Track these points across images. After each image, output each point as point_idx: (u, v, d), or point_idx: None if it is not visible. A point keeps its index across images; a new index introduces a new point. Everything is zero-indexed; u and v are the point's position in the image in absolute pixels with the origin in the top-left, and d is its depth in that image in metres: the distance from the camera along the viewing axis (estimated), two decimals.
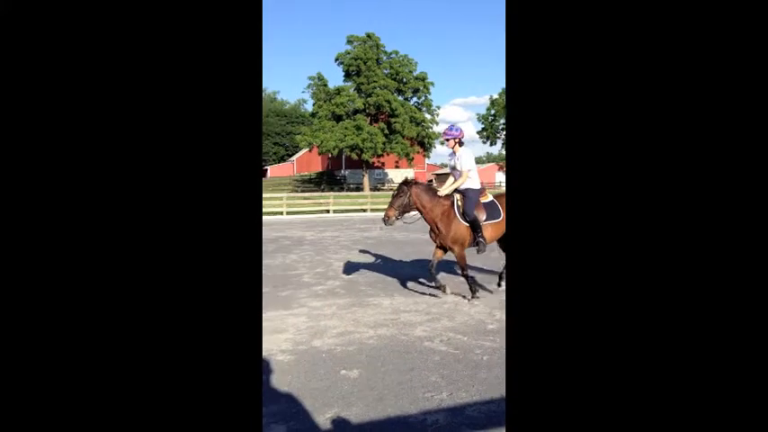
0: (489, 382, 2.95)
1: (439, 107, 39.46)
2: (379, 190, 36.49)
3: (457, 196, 4.92)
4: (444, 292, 4.97)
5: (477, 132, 47.32)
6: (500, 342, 3.72)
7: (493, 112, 46.15)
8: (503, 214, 4.93)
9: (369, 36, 35.84)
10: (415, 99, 38.35)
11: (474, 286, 4.91)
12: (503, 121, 45.89)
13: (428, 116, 37.80)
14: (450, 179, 5.13)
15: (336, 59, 36.21)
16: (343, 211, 19.57)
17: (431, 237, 5.06)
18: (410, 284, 5.73)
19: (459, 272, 5.22)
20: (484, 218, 4.86)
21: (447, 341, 3.74)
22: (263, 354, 3.39)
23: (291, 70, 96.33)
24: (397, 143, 35.56)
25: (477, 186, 5.00)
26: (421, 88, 37.67)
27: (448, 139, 5.02)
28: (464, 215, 4.79)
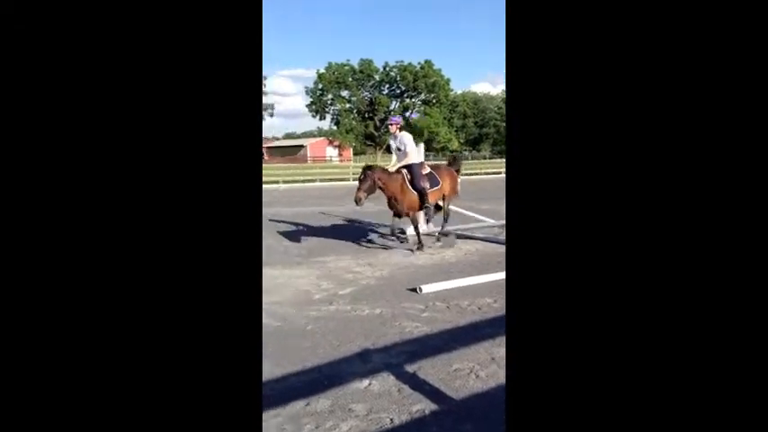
0: (313, 350, 2.99)
1: (266, 77, 38.70)
2: None
3: (404, 171, 6.05)
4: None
5: (306, 106, 47.64)
6: (324, 310, 3.81)
7: (321, 86, 46.66)
8: (440, 182, 6.32)
9: None
10: None
11: (420, 241, 6.16)
12: (330, 95, 46.82)
13: None
14: (394, 157, 6.30)
15: None
16: None
17: (389, 206, 6.17)
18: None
19: (412, 229, 6.38)
20: (428, 187, 6.08)
21: (273, 315, 3.70)
22: None
23: None
24: None
25: (420, 160, 6.32)
26: None
27: (391, 125, 6.34)
28: (413, 186, 5.99)
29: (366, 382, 2.53)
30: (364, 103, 47.90)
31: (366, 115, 47.93)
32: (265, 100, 36.98)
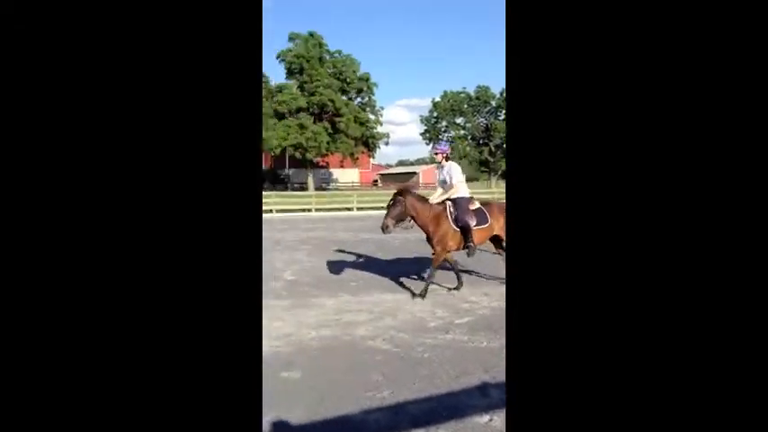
0: (430, 379, 2.93)
1: (383, 108, 39.51)
2: (323, 190, 36.30)
3: (448, 203, 5.29)
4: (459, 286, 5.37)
5: (420, 134, 47.73)
6: (441, 339, 3.73)
7: (435, 114, 46.64)
8: (490, 220, 5.39)
9: (311, 34, 35.44)
10: (359, 99, 38.09)
11: (428, 287, 5.16)
12: (444, 123, 46.54)
13: (372, 117, 37.70)
14: (440, 189, 5.48)
15: (278, 57, 35.61)
16: (286, 212, 19.46)
17: (427, 240, 5.34)
18: (354, 284, 5.76)
19: (429, 270, 5.34)
20: (474, 223, 5.22)
21: (389, 339, 3.72)
22: None
23: None
24: (341, 143, 35.32)
25: (467, 195, 5.40)
26: (364, 89, 37.45)
27: (437, 153, 5.50)
28: (456, 221, 5.17)
29: (487, 417, 2.43)
30: (479, 129, 47.54)
31: (481, 141, 47.46)
32: (381, 129, 38.31)
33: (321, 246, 9.37)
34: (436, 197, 5.37)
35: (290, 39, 35.67)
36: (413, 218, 5.16)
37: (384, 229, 5.02)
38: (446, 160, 5.46)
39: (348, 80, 36.60)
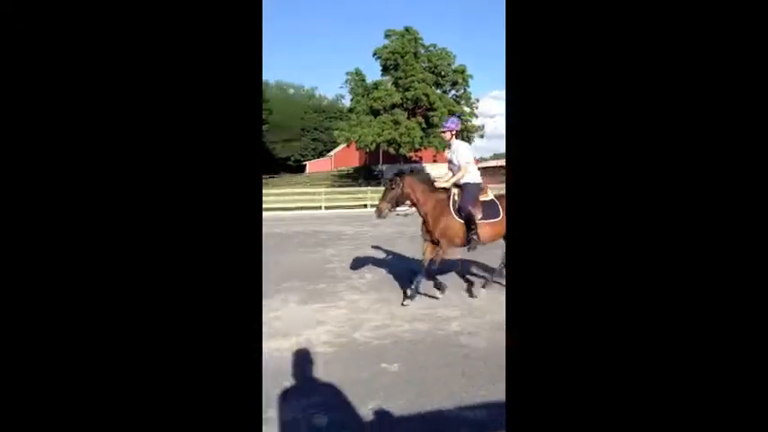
0: None
1: (478, 100, 37.86)
2: None
3: (455, 190, 4.69)
4: (441, 291, 4.74)
5: None
6: None
7: None
8: (502, 214, 4.67)
9: (407, 30, 34.94)
10: (453, 92, 36.87)
11: (442, 285, 4.72)
12: None
13: (467, 109, 36.31)
14: (449, 173, 4.86)
15: (374, 54, 35.44)
16: None
17: (421, 230, 4.83)
18: (446, 279, 5.64)
19: (432, 265, 4.76)
20: (480, 216, 4.61)
21: (484, 337, 3.70)
22: (304, 345, 3.57)
23: (330, 66, 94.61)
24: (434, 137, 34.46)
25: (478, 181, 4.76)
26: (459, 81, 36.09)
27: (444, 131, 4.85)
28: (459, 211, 4.56)
29: None
30: None
31: None
32: (476, 122, 37.45)
33: (414, 239, 9.45)
34: (443, 181, 4.76)
35: (386, 35, 36.01)
36: (414, 204, 4.65)
37: (378, 213, 4.59)
38: (455, 138, 4.79)
39: (443, 73, 36.19)
